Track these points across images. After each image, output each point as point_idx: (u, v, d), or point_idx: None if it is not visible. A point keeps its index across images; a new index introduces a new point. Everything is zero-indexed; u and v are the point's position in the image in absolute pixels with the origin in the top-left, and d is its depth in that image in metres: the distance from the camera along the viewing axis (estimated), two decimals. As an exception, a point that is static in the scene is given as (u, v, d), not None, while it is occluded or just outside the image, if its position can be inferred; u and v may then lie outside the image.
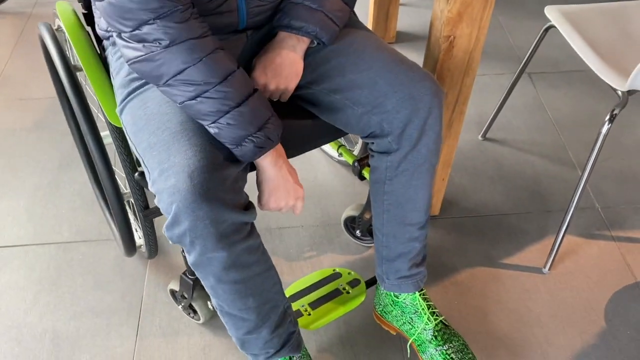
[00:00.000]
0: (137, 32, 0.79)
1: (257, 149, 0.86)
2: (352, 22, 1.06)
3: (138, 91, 0.93)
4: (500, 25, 2.21)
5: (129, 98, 0.93)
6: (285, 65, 0.94)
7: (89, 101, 1.04)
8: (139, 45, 0.80)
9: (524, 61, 1.52)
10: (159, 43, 0.79)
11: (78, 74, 1.07)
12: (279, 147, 0.91)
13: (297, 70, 0.96)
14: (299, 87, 1.02)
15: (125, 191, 1.19)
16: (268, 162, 0.89)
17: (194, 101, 0.82)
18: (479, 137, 1.75)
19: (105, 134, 1.09)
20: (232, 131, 0.83)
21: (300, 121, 1.04)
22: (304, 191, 0.96)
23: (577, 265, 1.41)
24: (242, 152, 0.86)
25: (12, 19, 2.25)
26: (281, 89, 0.96)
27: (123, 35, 0.81)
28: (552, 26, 1.39)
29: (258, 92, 0.87)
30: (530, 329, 1.28)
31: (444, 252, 1.45)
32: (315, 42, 0.98)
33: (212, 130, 0.84)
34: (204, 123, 0.84)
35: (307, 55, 0.99)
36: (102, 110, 1.03)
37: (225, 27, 0.93)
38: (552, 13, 1.37)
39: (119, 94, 0.96)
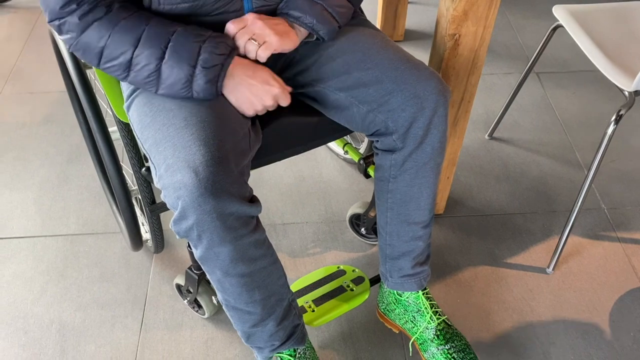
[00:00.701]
0: (52, 23, 0.85)
1: (209, 84, 0.87)
2: (359, 21, 1.06)
3: (142, 88, 0.94)
4: (509, 25, 2.20)
5: (135, 94, 0.94)
6: (281, 26, 0.93)
7: (97, 96, 1.05)
8: (62, 37, 0.87)
9: (531, 60, 1.52)
10: (70, 34, 0.85)
11: (88, 70, 1.08)
12: (234, 61, 0.89)
13: (291, 38, 0.94)
14: (304, 84, 1.02)
15: (133, 188, 1.20)
16: (225, 81, 0.90)
17: (130, 76, 0.88)
18: (486, 137, 1.75)
19: (114, 130, 1.10)
20: (175, 80, 0.86)
21: (305, 118, 1.04)
22: (280, 83, 0.92)
23: (581, 266, 1.41)
24: (200, 94, 0.87)
25: (24, 14, 2.28)
26: (267, 38, 0.91)
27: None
28: (560, 26, 1.38)
29: (176, 31, 0.87)
30: (532, 329, 1.29)
31: (448, 250, 1.45)
32: (314, 37, 0.98)
33: (162, 92, 0.88)
34: (152, 91, 0.89)
35: (313, 52, 1.00)
36: (110, 106, 1.04)
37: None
38: (559, 12, 1.37)
39: (126, 91, 0.97)
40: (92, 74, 1.08)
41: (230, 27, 0.91)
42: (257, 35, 0.90)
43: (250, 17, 0.92)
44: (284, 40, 0.92)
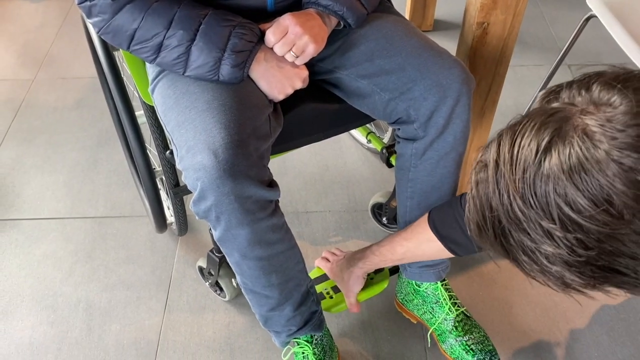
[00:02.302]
0: (82, 4, 0.86)
1: (235, 68, 0.88)
2: (384, 7, 1.06)
3: (168, 71, 0.95)
4: (541, 16, 2.16)
5: (159, 77, 0.95)
6: (316, 28, 0.92)
7: (126, 80, 1.07)
8: (91, 20, 0.88)
9: (562, 51, 1.49)
10: (101, 16, 0.86)
11: (116, 53, 1.10)
12: (261, 48, 0.91)
13: (324, 40, 0.94)
14: (326, 71, 1.02)
15: (158, 169, 1.22)
16: (254, 66, 0.91)
17: (159, 57, 0.88)
18: (514, 129, 1.71)
19: (140, 113, 1.13)
20: (204, 63, 0.87)
21: (326, 105, 1.04)
22: (307, 72, 0.95)
23: (608, 262, 1.38)
24: (226, 78, 0.88)
25: (58, 1, 2.33)
26: (305, 48, 0.91)
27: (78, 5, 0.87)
28: (593, 16, 1.34)
29: (208, 14, 0.88)
30: (556, 324, 1.27)
31: (471, 242, 1.43)
32: (342, 24, 0.98)
33: (189, 74, 0.89)
34: (180, 72, 0.90)
35: (336, 39, 1.00)
36: (136, 89, 1.06)
37: (254, 10, 0.94)
38: (593, 2, 1.33)
39: (151, 73, 0.98)
40: (119, 57, 1.10)
41: (270, 37, 0.90)
42: (296, 47, 0.90)
43: (288, 21, 0.90)
44: (320, 46, 0.92)
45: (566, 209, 0.49)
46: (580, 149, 0.48)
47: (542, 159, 0.50)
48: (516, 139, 0.52)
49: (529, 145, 0.51)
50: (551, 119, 0.51)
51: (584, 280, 0.53)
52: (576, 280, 0.53)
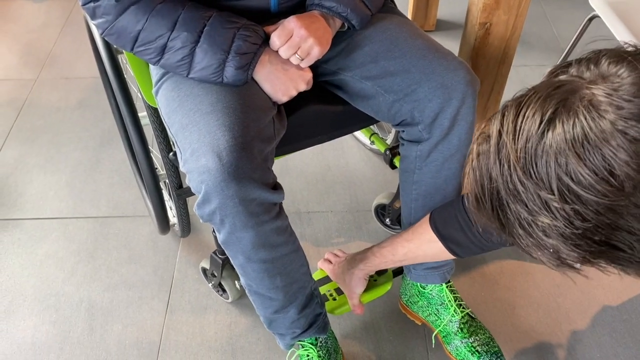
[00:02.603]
0: (86, 5, 0.86)
1: (239, 70, 0.88)
2: (388, 8, 1.06)
3: (171, 73, 0.95)
4: (544, 15, 2.15)
5: (163, 79, 0.95)
6: (320, 30, 0.92)
7: (129, 82, 1.07)
8: (95, 22, 0.87)
9: (565, 52, 1.49)
10: (105, 17, 0.86)
11: (119, 55, 1.10)
12: (265, 50, 0.91)
13: (329, 42, 0.94)
14: (330, 72, 1.02)
15: (161, 172, 1.22)
16: (258, 68, 0.91)
17: (163, 59, 0.88)
18: (516, 129, 1.71)
19: (144, 115, 1.12)
20: (208, 65, 0.87)
21: (330, 107, 1.04)
22: (311, 74, 0.95)
23: (611, 263, 1.38)
24: (230, 80, 0.88)
25: (61, 1, 2.33)
26: (310, 50, 0.91)
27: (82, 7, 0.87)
28: (596, 16, 1.34)
29: (212, 16, 0.88)
30: (558, 325, 1.26)
31: (473, 243, 1.43)
32: (346, 26, 0.97)
33: (193, 76, 0.89)
34: (183, 75, 0.89)
35: (341, 41, 0.99)
36: (140, 91, 1.06)
37: (257, 11, 0.94)
38: (596, 2, 1.33)
39: (154, 75, 0.98)
40: (123, 58, 1.10)
41: (275, 41, 0.90)
42: (301, 50, 0.90)
43: (293, 24, 0.89)
44: (325, 48, 0.92)
45: (566, 179, 0.49)
46: (585, 119, 0.48)
47: (546, 130, 0.49)
48: (520, 110, 0.52)
49: (533, 116, 0.51)
50: (557, 91, 0.51)
51: (580, 255, 0.53)
52: (571, 255, 0.53)
